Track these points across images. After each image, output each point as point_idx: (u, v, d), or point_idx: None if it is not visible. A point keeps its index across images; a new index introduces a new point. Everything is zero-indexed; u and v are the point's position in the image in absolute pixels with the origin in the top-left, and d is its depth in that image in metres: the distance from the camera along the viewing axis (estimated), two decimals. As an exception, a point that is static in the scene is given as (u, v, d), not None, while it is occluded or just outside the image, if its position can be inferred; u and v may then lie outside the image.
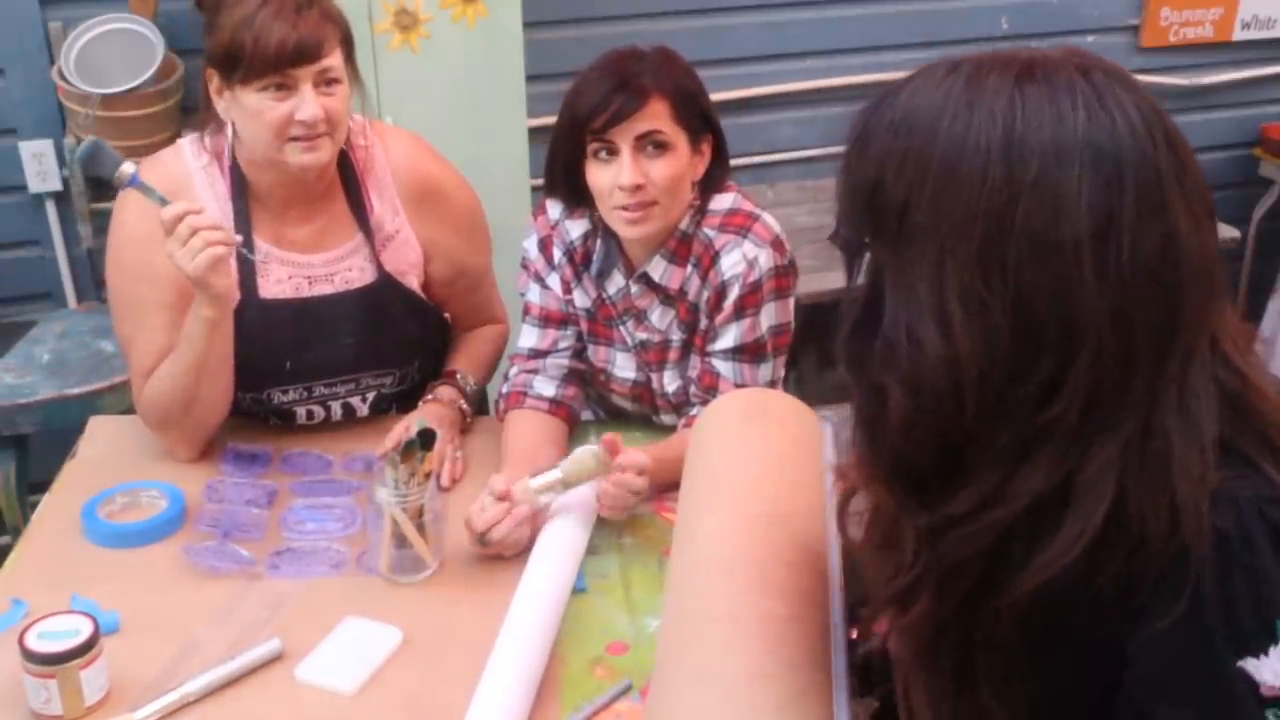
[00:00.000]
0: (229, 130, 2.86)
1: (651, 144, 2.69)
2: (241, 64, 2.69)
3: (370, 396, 3.10)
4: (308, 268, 2.97)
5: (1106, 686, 1.46)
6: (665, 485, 2.73)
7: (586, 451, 2.61)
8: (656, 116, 2.68)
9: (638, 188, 2.69)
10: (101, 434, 3.10)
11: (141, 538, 2.66)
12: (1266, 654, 1.32)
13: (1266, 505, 1.34)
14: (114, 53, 4.30)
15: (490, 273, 3.32)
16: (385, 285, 3.01)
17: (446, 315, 3.21)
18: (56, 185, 4.59)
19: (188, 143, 2.97)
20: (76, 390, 3.95)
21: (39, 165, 4.57)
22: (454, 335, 3.32)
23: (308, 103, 2.72)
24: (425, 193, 3.07)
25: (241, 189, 2.90)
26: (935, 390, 1.36)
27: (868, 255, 1.49)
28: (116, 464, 2.91)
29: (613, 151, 2.70)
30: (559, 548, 2.54)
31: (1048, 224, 1.31)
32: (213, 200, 2.88)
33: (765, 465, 1.99)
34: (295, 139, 2.75)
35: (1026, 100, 1.34)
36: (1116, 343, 1.32)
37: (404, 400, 3.17)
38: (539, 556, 2.51)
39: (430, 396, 3.07)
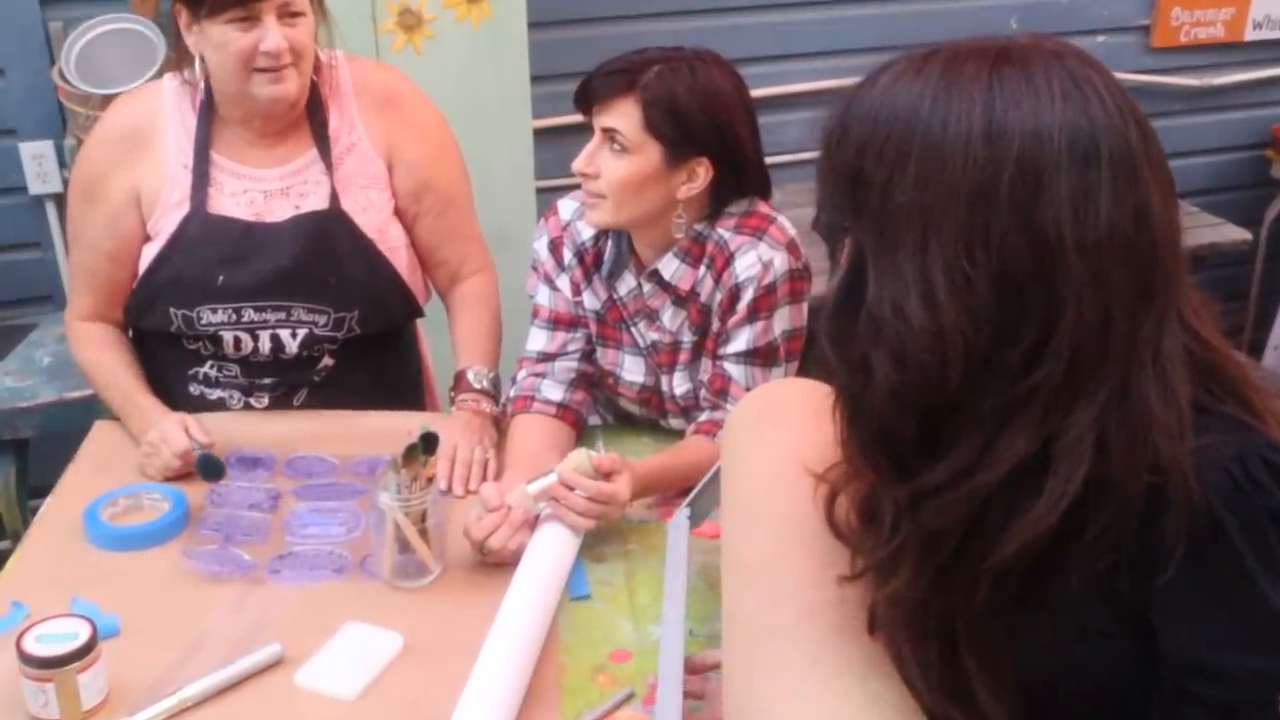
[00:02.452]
0: (198, 62, 2.94)
1: (612, 141, 2.73)
2: (205, 1, 2.79)
3: (301, 334, 3.07)
4: (263, 181, 3.03)
5: (1093, 654, 1.53)
6: (672, 492, 2.73)
7: (581, 453, 2.61)
8: (624, 117, 2.72)
9: (585, 175, 2.78)
10: (106, 440, 3.09)
11: (143, 541, 2.66)
12: None
13: (1266, 451, 1.43)
14: (115, 53, 4.29)
15: (466, 201, 3.30)
16: (336, 216, 3.03)
17: (400, 273, 3.15)
18: (57, 187, 4.59)
19: (170, 74, 3.08)
20: (77, 394, 3.95)
21: (39, 166, 4.57)
22: (440, 288, 3.34)
23: (271, 33, 2.80)
24: (385, 99, 3.13)
25: (209, 109, 3.00)
26: (921, 362, 1.43)
27: (849, 239, 1.55)
28: (120, 466, 2.91)
29: (593, 133, 2.78)
30: (548, 552, 2.54)
31: (1029, 198, 1.38)
32: (178, 115, 3.02)
33: (784, 468, 1.99)
34: (262, 70, 2.84)
35: (1004, 83, 1.42)
36: (1095, 309, 1.40)
37: (339, 353, 3.15)
38: (527, 563, 2.51)
39: (454, 408, 3.08)
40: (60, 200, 4.61)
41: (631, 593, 2.55)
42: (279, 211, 3.02)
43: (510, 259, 3.49)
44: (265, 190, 3.03)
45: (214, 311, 3.01)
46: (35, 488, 3.97)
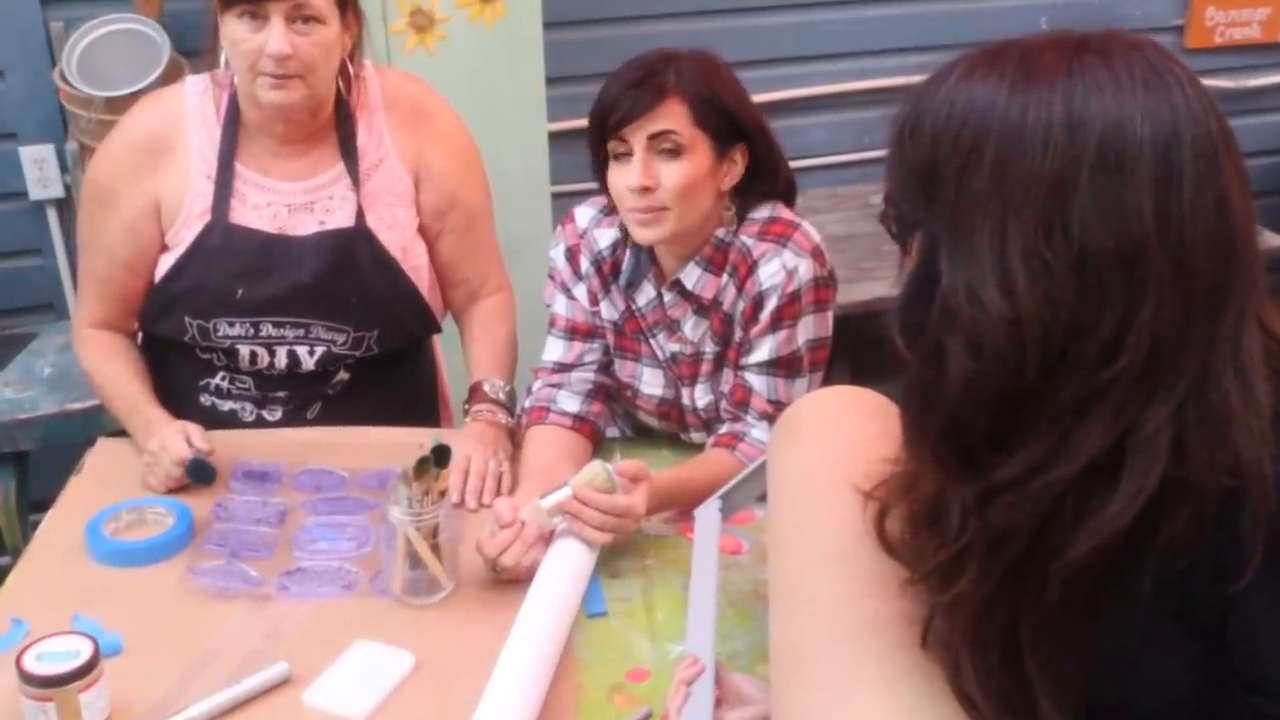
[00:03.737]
0: (222, 59, 2.97)
1: (666, 146, 2.70)
2: None
3: (319, 351, 3.08)
4: (288, 195, 3.03)
5: (1162, 664, 1.52)
6: (689, 506, 2.72)
7: (597, 465, 2.61)
8: (672, 117, 2.69)
9: (645, 189, 2.71)
10: (109, 454, 3.09)
11: (147, 556, 2.66)
12: None
13: None
14: (118, 54, 4.29)
15: (489, 221, 3.31)
16: (360, 235, 3.04)
17: (421, 291, 3.16)
18: (58, 192, 4.61)
19: (192, 76, 3.09)
20: (79, 405, 3.96)
21: (40, 171, 4.58)
22: (455, 307, 3.34)
23: (274, 36, 2.79)
24: (413, 112, 3.14)
25: (234, 117, 3.00)
26: (997, 350, 1.43)
27: (919, 234, 1.55)
28: (122, 480, 2.90)
29: (629, 152, 2.72)
30: (563, 568, 2.53)
31: (1111, 185, 1.39)
32: (201, 124, 3.02)
33: (832, 481, 2.00)
34: (265, 74, 2.83)
35: (1084, 71, 1.43)
36: (1175, 300, 1.40)
37: (355, 367, 3.16)
38: (541, 579, 2.51)
39: (469, 419, 3.07)
40: (62, 205, 4.62)
41: (649, 610, 2.55)
42: (302, 226, 3.03)
43: (525, 266, 3.49)
44: (289, 204, 3.03)
45: (231, 324, 3.02)
46: (36, 501, 3.98)
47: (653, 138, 2.70)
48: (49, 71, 4.45)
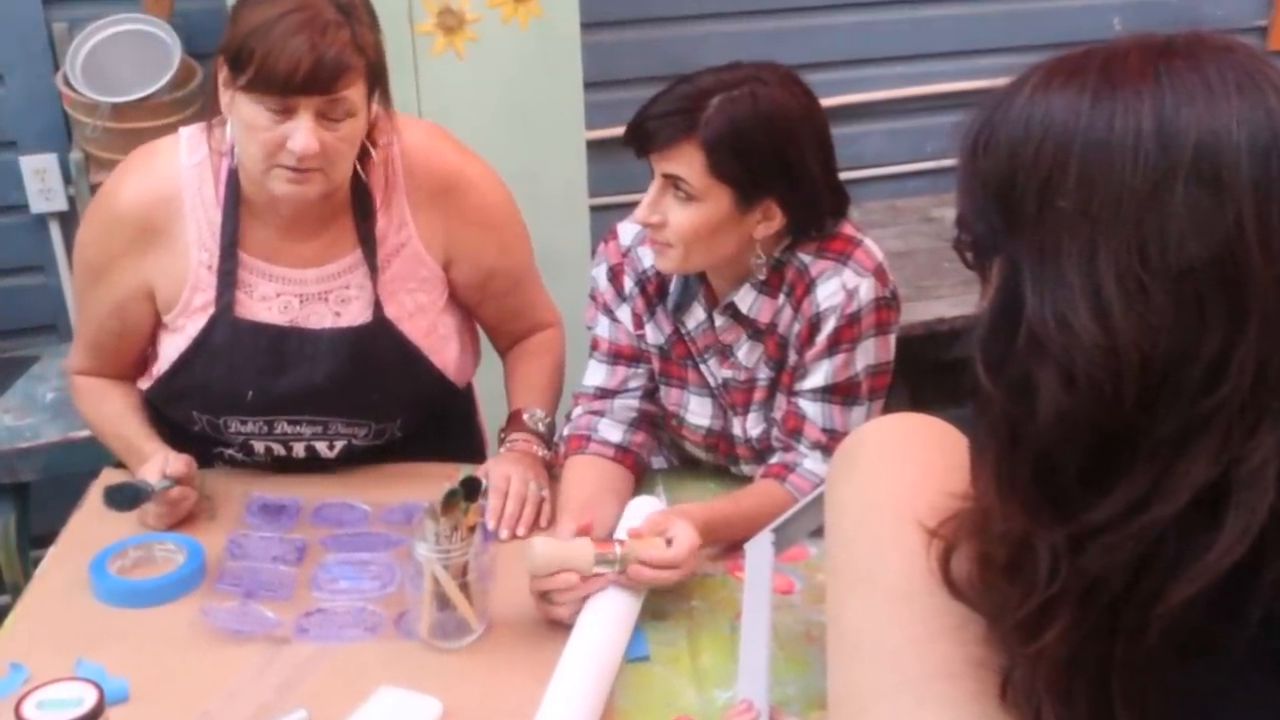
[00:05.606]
0: (228, 127, 2.83)
1: (676, 188, 2.69)
2: (247, 71, 2.64)
3: (339, 445, 3.08)
4: (299, 284, 2.94)
5: (1245, 714, 1.49)
6: (736, 542, 2.71)
7: (658, 544, 2.58)
8: (686, 164, 2.66)
9: (649, 225, 2.73)
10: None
11: (155, 596, 2.66)
12: None
13: None
14: (125, 57, 4.30)
15: (531, 271, 3.27)
16: (379, 329, 2.96)
17: (442, 370, 3.11)
18: (61, 204, 4.61)
19: (188, 134, 2.94)
20: (83, 434, 3.94)
21: (42, 182, 4.59)
22: (500, 350, 3.33)
23: (301, 133, 2.65)
24: (444, 189, 3.01)
25: (235, 196, 2.88)
26: (1093, 379, 1.40)
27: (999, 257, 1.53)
28: (128, 514, 2.87)
29: (653, 175, 2.72)
30: (610, 612, 2.53)
31: (1208, 197, 1.36)
32: (199, 206, 2.89)
33: (864, 525, 1.99)
34: (283, 167, 2.71)
35: (1174, 77, 1.41)
36: None
37: (378, 454, 3.13)
38: (585, 622, 2.50)
39: (504, 448, 3.06)
40: (65, 219, 4.62)
41: (694, 654, 2.54)
42: (316, 318, 2.95)
43: (562, 283, 3.48)
44: (301, 294, 2.94)
45: (243, 423, 3.00)
46: (37, 537, 3.98)
47: (666, 176, 2.69)
48: (51, 76, 4.46)
